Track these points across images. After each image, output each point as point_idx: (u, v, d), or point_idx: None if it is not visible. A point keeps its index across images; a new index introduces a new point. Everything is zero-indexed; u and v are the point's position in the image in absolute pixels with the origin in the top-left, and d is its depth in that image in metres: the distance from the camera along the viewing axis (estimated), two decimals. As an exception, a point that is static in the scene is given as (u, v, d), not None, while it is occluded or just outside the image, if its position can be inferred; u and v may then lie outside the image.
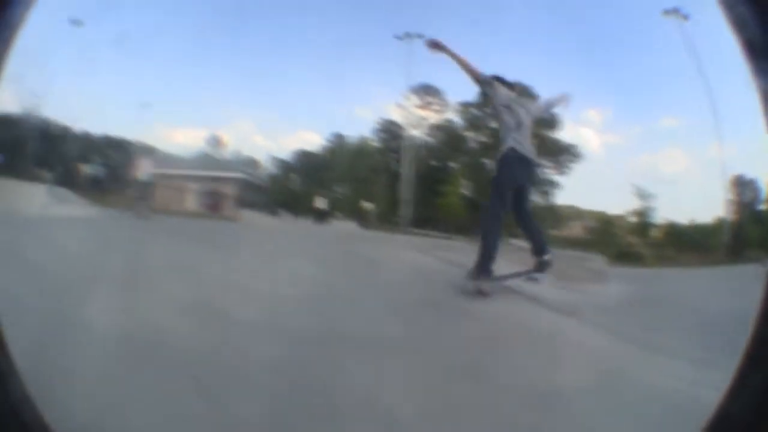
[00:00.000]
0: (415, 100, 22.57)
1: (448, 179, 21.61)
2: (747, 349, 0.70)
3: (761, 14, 0.60)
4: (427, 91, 22.92)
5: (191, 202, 16.91)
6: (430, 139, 22.47)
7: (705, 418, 0.70)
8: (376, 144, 22.14)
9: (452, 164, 21.73)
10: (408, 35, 15.82)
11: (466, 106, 22.89)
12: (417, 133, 20.77)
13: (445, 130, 22.59)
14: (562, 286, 3.97)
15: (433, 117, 23.14)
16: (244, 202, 18.91)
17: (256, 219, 16.98)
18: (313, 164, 24.94)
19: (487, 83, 3.33)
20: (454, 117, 23.01)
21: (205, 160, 21.81)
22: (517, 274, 3.37)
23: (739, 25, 0.64)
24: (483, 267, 3.08)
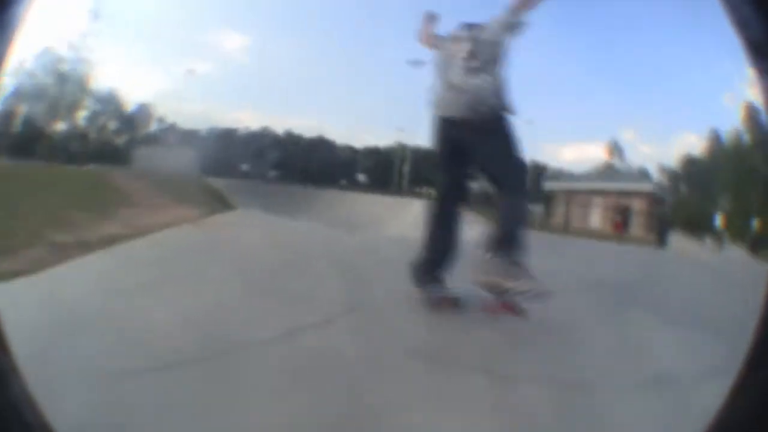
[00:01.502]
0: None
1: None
2: (748, 351, 0.70)
3: (764, 15, 0.60)
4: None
5: (597, 220, 14.60)
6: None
7: (705, 421, 0.70)
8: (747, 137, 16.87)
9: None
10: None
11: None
12: (772, 115, 15.58)
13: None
14: None
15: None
16: (659, 221, 14.49)
17: (679, 245, 12.56)
18: (698, 172, 18.39)
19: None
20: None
21: (606, 172, 18.12)
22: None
23: (743, 25, 0.64)
24: (421, 267, 2.21)
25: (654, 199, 16.46)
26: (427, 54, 2.37)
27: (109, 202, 5.11)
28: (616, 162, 19.68)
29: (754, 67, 0.65)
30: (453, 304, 2.17)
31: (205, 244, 4.00)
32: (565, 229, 13.89)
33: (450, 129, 2.19)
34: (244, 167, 20.15)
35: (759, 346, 0.70)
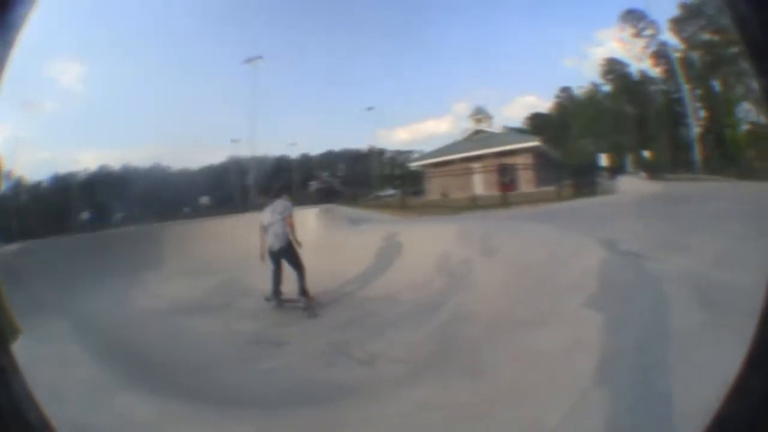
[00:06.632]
0: (629, 30, 19.76)
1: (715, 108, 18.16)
2: (749, 350, 0.69)
3: (763, 14, 0.60)
4: (633, 17, 20.49)
5: (480, 185, 15.82)
6: (656, 71, 19.82)
7: (705, 420, 0.70)
8: (613, 88, 20.17)
9: (691, 95, 18.78)
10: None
11: (676, 21, 19.46)
12: (642, 66, 19.40)
13: (665, 55, 19.50)
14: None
15: (649, 43, 20.39)
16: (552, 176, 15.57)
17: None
18: (545, 126, 22.52)
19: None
20: (669, 38, 19.54)
21: (478, 138, 20.12)
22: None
23: (741, 24, 0.63)
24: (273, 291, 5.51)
25: (539, 153, 18.32)
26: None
27: None
28: (485, 127, 21.98)
29: (753, 66, 0.64)
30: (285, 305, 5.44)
31: None
32: (445, 201, 14.57)
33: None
34: (85, 216, 17.22)
35: (760, 346, 0.69)
